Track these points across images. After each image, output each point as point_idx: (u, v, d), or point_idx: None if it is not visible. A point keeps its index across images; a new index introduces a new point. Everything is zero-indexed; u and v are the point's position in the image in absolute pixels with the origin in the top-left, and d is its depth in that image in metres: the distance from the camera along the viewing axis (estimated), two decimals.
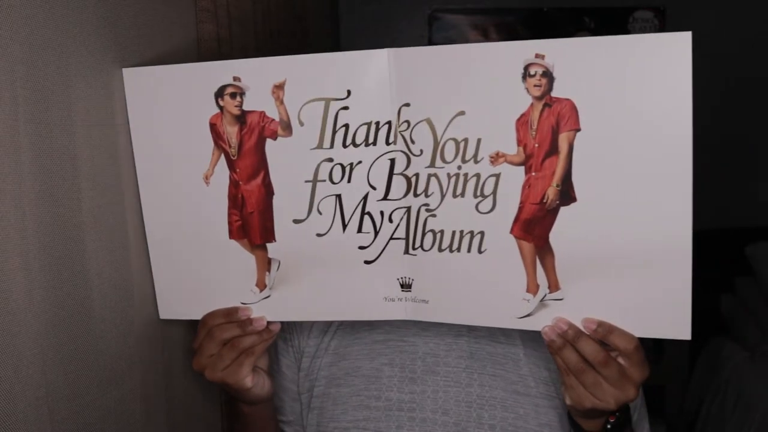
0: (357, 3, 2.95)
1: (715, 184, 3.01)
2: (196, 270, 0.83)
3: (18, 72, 0.64)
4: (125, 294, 0.83)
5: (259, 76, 0.77)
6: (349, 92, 0.75)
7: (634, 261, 0.71)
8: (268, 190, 0.80)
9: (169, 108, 0.79)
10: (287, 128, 0.77)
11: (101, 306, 0.78)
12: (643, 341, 0.74)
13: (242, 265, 0.82)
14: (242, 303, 0.83)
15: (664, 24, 2.89)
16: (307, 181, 0.78)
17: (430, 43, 2.96)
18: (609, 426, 0.78)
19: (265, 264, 0.82)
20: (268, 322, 0.83)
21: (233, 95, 0.77)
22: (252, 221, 0.81)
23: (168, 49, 0.95)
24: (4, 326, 0.62)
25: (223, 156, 0.79)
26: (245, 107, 0.78)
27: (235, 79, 0.77)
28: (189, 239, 0.82)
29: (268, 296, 0.82)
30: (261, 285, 0.83)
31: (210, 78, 0.77)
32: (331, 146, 0.76)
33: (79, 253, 0.74)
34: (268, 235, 0.81)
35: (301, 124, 0.77)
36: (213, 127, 0.78)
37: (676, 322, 0.71)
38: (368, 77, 0.74)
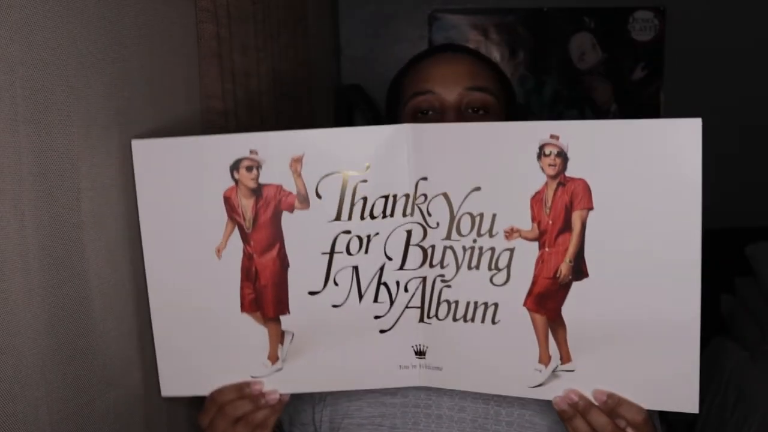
0: (357, 3, 2.95)
1: (715, 184, 3.01)
2: (203, 344, 0.80)
3: (18, 72, 0.64)
4: (125, 294, 0.83)
5: (276, 150, 0.76)
6: (368, 166, 0.76)
7: (643, 337, 0.72)
8: (283, 263, 0.78)
9: (181, 181, 0.77)
10: (304, 201, 0.77)
11: (101, 306, 0.78)
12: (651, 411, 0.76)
13: (253, 338, 0.80)
14: (252, 377, 0.80)
15: (664, 24, 2.89)
16: (324, 253, 0.78)
17: (430, 43, 2.96)
18: None
19: (278, 337, 0.80)
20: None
21: (249, 168, 0.76)
22: (266, 294, 0.79)
23: (168, 49, 0.95)
24: (4, 326, 0.62)
25: (236, 229, 0.78)
26: (261, 180, 0.76)
27: (252, 152, 0.76)
28: (197, 314, 0.80)
29: (281, 369, 0.80)
30: (273, 358, 0.81)
31: (225, 151, 0.76)
32: (349, 218, 0.77)
33: (79, 253, 0.74)
34: (282, 307, 0.80)
35: (319, 197, 0.77)
36: (227, 200, 0.77)
37: (684, 396, 0.73)
38: (387, 151, 0.76)
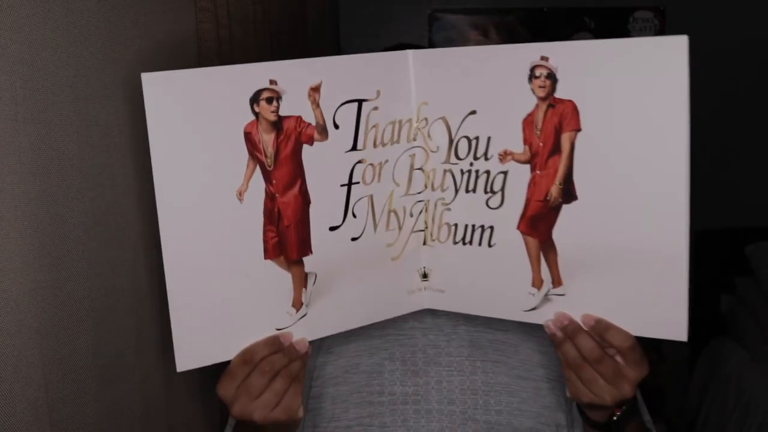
0: (357, 3, 2.95)
1: (715, 184, 3.01)
2: (224, 302, 0.73)
3: (18, 72, 0.64)
4: (125, 294, 0.83)
5: (294, 79, 0.73)
6: (378, 92, 0.77)
7: (631, 260, 0.72)
8: (305, 199, 0.75)
9: (196, 118, 0.70)
10: (323, 132, 0.75)
11: (101, 306, 0.78)
12: (642, 342, 0.75)
13: (277, 286, 0.76)
14: (277, 329, 0.76)
15: (664, 24, 2.89)
16: (342, 185, 0.77)
17: (430, 43, 2.96)
18: (615, 418, 0.79)
19: (302, 280, 0.77)
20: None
21: (269, 100, 0.72)
22: (289, 235, 0.75)
23: (168, 49, 0.95)
24: (4, 326, 0.62)
25: (258, 167, 0.73)
26: (281, 112, 0.73)
27: (272, 82, 0.72)
28: (217, 266, 0.73)
29: (305, 315, 0.77)
30: (297, 304, 0.77)
31: (243, 82, 0.71)
32: (364, 147, 0.77)
33: (79, 253, 0.74)
34: (306, 247, 0.76)
35: (337, 126, 0.76)
36: (248, 136, 0.72)
37: (672, 323, 0.72)
38: (393, 77, 0.78)
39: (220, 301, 0.73)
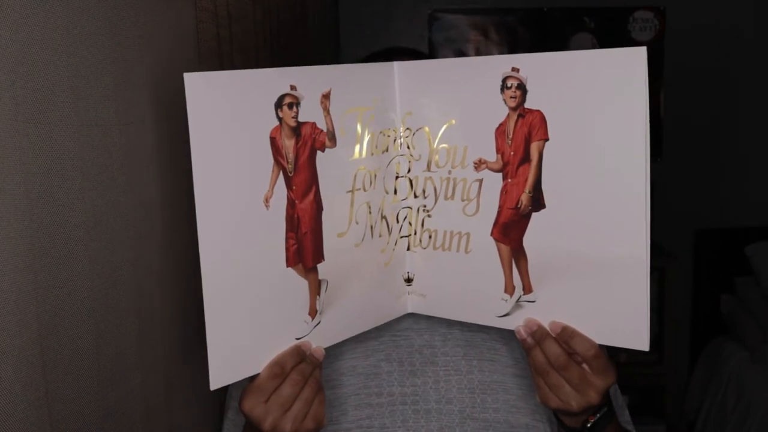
0: (357, 3, 2.95)
1: (714, 184, 3.01)
2: (251, 313, 0.72)
3: (18, 72, 0.64)
4: (125, 294, 0.83)
5: (308, 85, 0.74)
6: (375, 101, 0.80)
7: (595, 268, 0.74)
8: (318, 206, 0.76)
9: (231, 121, 0.69)
10: (333, 139, 0.76)
11: (101, 306, 0.78)
12: (611, 350, 0.77)
13: (295, 295, 0.75)
14: (296, 338, 0.75)
15: (664, 24, 2.89)
16: (347, 192, 0.79)
17: (430, 42, 2.96)
18: (588, 425, 0.80)
19: (317, 288, 0.77)
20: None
21: (290, 106, 0.72)
22: (306, 242, 0.75)
23: (168, 49, 0.95)
24: (4, 326, 0.62)
25: (281, 173, 0.72)
26: (299, 118, 0.73)
27: (292, 87, 0.72)
28: (245, 275, 0.71)
29: (319, 323, 0.77)
30: (313, 312, 0.77)
31: (269, 87, 0.71)
32: (362, 154, 0.80)
33: (80, 253, 0.74)
34: (319, 255, 0.77)
35: (343, 134, 0.77)
36: (273, 141, 0.71)
37: (634, 332, 0.73)
38: (386, 87, 0.81)
39: (248, 313, 0.72)
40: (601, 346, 0.75)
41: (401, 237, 0.84)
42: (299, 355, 0.74)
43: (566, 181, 0.74)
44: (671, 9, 2.88)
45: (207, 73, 0.68)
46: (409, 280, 0.86)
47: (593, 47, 2.99)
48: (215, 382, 0.70)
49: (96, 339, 0.77)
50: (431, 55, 2.81)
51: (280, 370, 0.73)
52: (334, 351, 0.93)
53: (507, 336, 0.94)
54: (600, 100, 0.70)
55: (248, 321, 0.72)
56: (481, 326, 0.94)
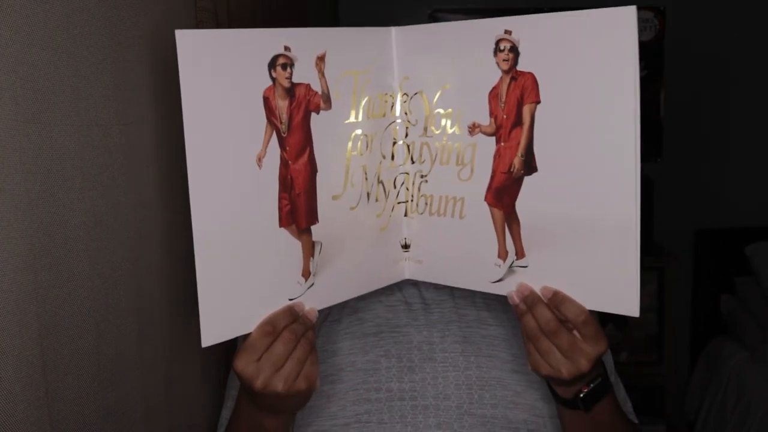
0: (357, 3, 2.95)
1: (714, 184, 3.01)
2: (244, 272, 0.73)
3: (18, 72, 0.64)
4: (126, 294, 0.83)
5: (303, 47, 0.74)
6: (370, 66, 0.80)
7: (586, 233, 0.73)
8: (312, 168, 0.76)
9: (222, 79, 0.70)
10: (328, 101, 0.77)
11: (101, 306, 0.78)
12: (604, 318, 0.76)
13: (288, 255, 0.76)
14: (290, 299, 0.76)
15: (664, 24, 2.89)
16: (343, 155, 0.79)
17: None
18: (581, 395, 0.80)
19: (310, 249, 0.77)
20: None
21: (284, 66, 0.73)
22: (299, 203, 0.76)
23: (168, 49, 0.95)
24: (4, 326, 0.62)
25: (274, 133, 0.73)
26: (293, 79, 0.74)
27: (286, 48, 0.72)
28: (238, 236, 0.72)
29: (312, 284, 0.78)
30: (306, 273, 0.77)
31: (262, 46, 0.71)
32: (357, 118, 0.80)
33: (80, 253, 0.74)
34: (313, 216, 0.77)
35: (338, 97, 0.77)
36: (266, 101, 0.72)
37: (624, 298, 0.72)
38: (381, 52, 0.81)
39: (240, 272, 0.73)
40: (593, 314, 0.75)
41: (398, 203, 0.85)
42: (292, 315, 0.75)
43: (558, 143, 0.73)
44: (671, 9, 2.88)
45: (199, 31, 0.70)
46: (406, 246, 0.86)
47: None
48: (207, 339, 0.71)
49: (96, 339, 0.77)
50: None
51: (271, 328, 0.73)
52: (333, 347, 0.93)
53: (505, 333, 0.94)
54: (591, 61, 0.70)
55: (240, 280, 0.73)
56: (480, 323, 0.94)
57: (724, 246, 2.90)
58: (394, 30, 0.82)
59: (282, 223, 0.75)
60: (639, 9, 0.67)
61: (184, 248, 0.93)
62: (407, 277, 0.87)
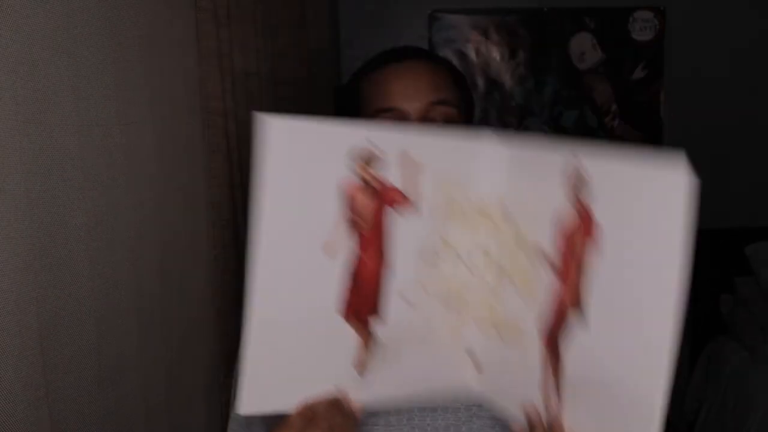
0: (357, 3, 2.95)
1: (715, 184, 3.01)
2: (296, 354, 0.74)
3: (18, 72, 0.64)
4: (126, 294, 0.83)
5: (386, 143, 0.74)
6: (463, 173, 0.79)
7: (610, 395, 0.73)
8: (383, 263, 0.77)
9: (303, 166, 0.71)
10: (408, 200, 0.77)
11: (102, 306, 0.78)
12: None
13: (344, 344, 0.76)
14: (337, 387, 0.77)
15: (664, 24, 2.89)
16: (416, 255, 0.78)
17: (430, 42, 2.96)
18: None
19: (367, 342, 0.78)
20: None
21: (367, 161, 0.74)
22: (364, 295, 0.77)
23: (168, 49, 0.95)
24: (4, 326, 0.62)
25: (349, 225, 0.74)
26: (376, 174, 0.75)
27: (370, 143, 0.74)
28: (295, 317, 0.74)
29: (365, 379, 0.78)
30: (359, 366, 0.78)
31: (345, 139, 0.72)
32: (443, 221, 0.79)
33: (80, 253, 0.74)
34: (376, 310, 0.78)
35: (421, 198, 0.77)
36: (343, 192, 0.73)
37: None
38: (481, 163, 0.79)
39: (291, 352, 0.74)
40: None
41: (472, 317, 0.82)
42: (335, 407, 0.75)
43: (604, 294, 0.72)
44: (671, 9, 2.88)
45: (289, 120, 0.70)
46: (474, 361, 0.83)
47: (593, 47, 2.99)
48: (245, 408, 0.72)
49: (96, 339, 0.77)
50: None
51: (311, 414, 0.74)
52: None
53: None
54: (640, 219, 0.68)
55: (289, 359, 0.74)
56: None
57: (724, 246, 2.90)
58: (501, 146, 0.78)
59: (342, 312, 0.76)
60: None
61: (184, 248, 0.93)
62: (477, 389, 0.83)
